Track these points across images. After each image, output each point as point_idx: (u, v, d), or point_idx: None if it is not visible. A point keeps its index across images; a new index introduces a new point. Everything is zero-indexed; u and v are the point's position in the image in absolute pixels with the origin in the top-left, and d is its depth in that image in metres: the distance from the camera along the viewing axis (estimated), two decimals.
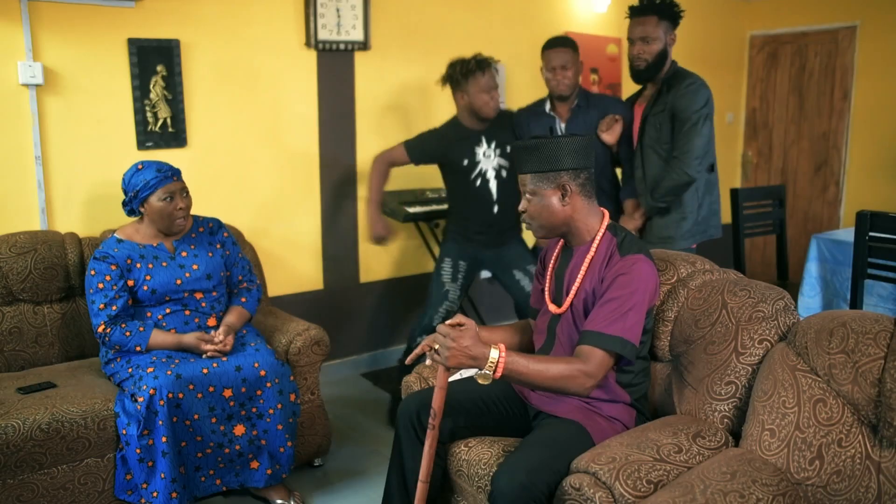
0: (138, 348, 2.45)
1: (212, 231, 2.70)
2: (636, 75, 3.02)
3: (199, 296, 2.59)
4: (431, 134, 3.20)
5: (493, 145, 3.15)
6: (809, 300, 3.56)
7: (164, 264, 2.53)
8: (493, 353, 1.70)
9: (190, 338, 2.47)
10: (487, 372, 1.70)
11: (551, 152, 1.86)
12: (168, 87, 3.10)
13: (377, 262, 3.90)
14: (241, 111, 3.36)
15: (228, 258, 2.72)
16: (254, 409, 2.44)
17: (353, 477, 2.81)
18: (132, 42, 3.00)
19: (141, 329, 2.46)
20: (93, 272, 2.46)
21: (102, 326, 2.44)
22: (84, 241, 2.80)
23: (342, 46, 3.55)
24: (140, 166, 2.48)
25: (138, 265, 2.50)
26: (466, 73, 3.05)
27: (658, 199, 2.94)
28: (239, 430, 2.42)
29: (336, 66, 3.59)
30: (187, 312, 2.56)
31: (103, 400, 2.33)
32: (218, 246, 2.69)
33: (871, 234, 3.03)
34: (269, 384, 2.45)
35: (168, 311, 2.53)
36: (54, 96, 2.88)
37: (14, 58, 2.78)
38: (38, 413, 2.21)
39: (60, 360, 2.71)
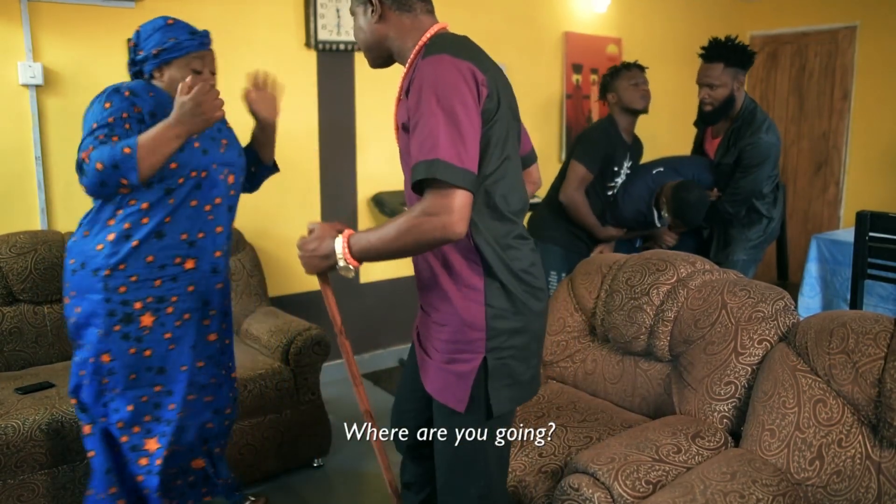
0: (124, 181, 1.79)
1: None
2: (702, 118, 3.11)
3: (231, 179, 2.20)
4: (600, 139, 3.09)
5: (628, 165, 3.19)
6: (809, 300, 3.56)
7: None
8: (337, 244, 1.51)
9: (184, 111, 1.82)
10: (343, 264, 1.53)
11: None
12: None
13: (377, 262, 3.90)
14: (241, 111, 3.35)
15: None
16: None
17: (353, 477, 2.81)
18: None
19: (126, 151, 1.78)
20: (108, 104, 1.88)
21: (87, 152, 1.80)
22: None
23: (342, 46, 3.55)
24: (170, 21, 2.03)
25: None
26: (614, 73, 3.12)
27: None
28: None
29: (336, 66, 3.59)
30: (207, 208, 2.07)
31: None
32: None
33: (871, 234, 3.03)
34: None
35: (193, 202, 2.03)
36: (54, 96, 2.88)
37: (14, 58, 2.78)
38: (38, 413, 2.21)
39: (60, 360, 2.71)
